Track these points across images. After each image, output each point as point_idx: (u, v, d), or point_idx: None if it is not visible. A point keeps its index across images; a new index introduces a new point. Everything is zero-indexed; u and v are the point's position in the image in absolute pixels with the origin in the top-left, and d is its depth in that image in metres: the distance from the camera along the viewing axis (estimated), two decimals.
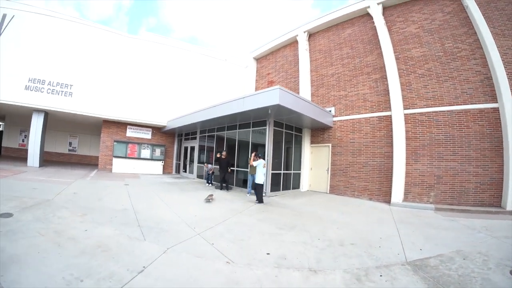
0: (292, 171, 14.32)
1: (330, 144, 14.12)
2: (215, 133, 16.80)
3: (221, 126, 15.87)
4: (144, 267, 3.97)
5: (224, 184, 13.10)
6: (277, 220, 7.63)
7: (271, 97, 9.63)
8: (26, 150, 16.86)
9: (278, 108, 10.12)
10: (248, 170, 12.04)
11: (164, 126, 20.31)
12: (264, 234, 6.18)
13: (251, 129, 13.45)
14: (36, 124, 16.89)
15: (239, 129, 14.41)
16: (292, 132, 14.32)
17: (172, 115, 18.96)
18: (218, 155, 13.62)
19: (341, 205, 10.72)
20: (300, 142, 15.10)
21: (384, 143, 12.00)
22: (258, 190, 10.26)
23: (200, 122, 15.18)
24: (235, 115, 11.95)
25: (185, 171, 20.76)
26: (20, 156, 19.14)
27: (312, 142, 15.07)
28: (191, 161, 20.04)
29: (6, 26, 15.62)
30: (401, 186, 10.97)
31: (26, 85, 15.81)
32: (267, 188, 11.83)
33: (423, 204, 10.22)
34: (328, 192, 13.84)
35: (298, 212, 8.96)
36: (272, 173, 12.20)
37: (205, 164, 15.83)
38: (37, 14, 16.41)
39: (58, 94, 16.63)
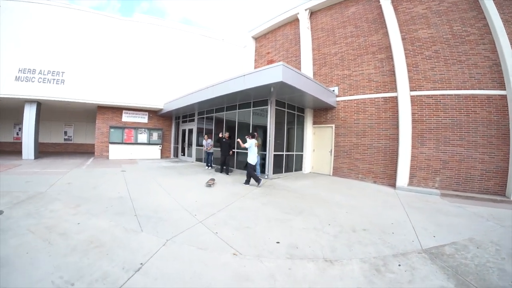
0: (294, 153, 13.91)
1: (333, 125, 13.63)
2: (214, 114, 16.29)
3: (220, 107, 15.36)
4: (141, 264, 3.57)
5: (224, 167, 12.66)
6: (283, 203, 7.25)
7: (274, 74, 9.08)
8: (21, 143, 16.49)
9: (281, 86, 9.58)
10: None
11: (161, 109, 19.78)
12: (270, 220, 5.79)
13: (251, 109, 12.92)
14: (29, 115, 16.42)
15: (239, 109, 13.87)
16: (294, 112, 13.82)
17: (169, 98, 18.41)
18: (220, 135, 13.17)
19: (345, 187, 10.34)
20: (303, 122, 14.62)
21: (390, 125, 11.59)
22: (249, 170, 9.93)
23: (198, 103, 14.63)
24: (235, 94, 11.42)
25: (184, 155, 20.37)
26: (15, 150, 18.77)
27: (314, 123, 14.58)
28: (190, 144, 19.56)
29: None
30: (407, 169, 10.66)
31: (16, 76, 15.46)
32: (269, 170, 11.43)
33: (429, 189, 9.95)
34: (331, 174, 13.48)
35: (303, 194, 8.57)
36: (274, 155, 11.73)
37: (205, 136, 15.29)
38: (23, 2, 15.83)
39: (50, 82, 16.21)
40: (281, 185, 10.08)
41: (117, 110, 19.55)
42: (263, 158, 11.78)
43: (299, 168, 14.24)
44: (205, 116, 17.39)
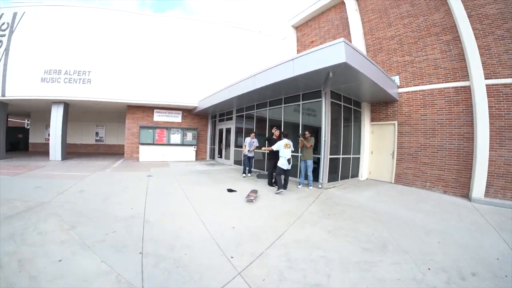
0: (351, 156, 11.72)
1: (395, 122, 11.41)
2: (255, 111, 14.31)
3: (262, 102, 13.43)
4: None
5: (274, 180, 9.64)
6: (355, 230, 5.21)
7: (334, 54, 7.03)
8: None
9: (343, 70, 7.52)
10: (300, 153, 9.61)
11: (195, 107, 18.20)
12: (347, 265, 3.81)
13: (301, 102, 10.89)
14: (56, 116, 16.26)
15: (284, 104, 11.88)
16: (350, 106, 11.63)
17: (203, 95, 16.75)
18: (273, 130, 10.28)
19: (417, 201, 8.26)
20: (359, 119, 12.36)
21: (463, 121, 9.43)
22: (277, 174, 8.59)
23: (237, 98, 12.77)
24: (280, 84, 9.45)
25: (221, 157, 18.54)
26: (46, 150, 18.53)
27: (372, 120, 12.34)
28: (227, 145, 17.66)
29: (17, 24, 15.45)
30: (484, 177, 8.49)
31: (42, 78, 15.42)
32: (323, 178, 9.35)
33: (508, 201, 7.94)
34: (393, 181, 11.25)
35: (374, 213, 6.49)
36: (329, 158, 9.73)
37: (251, 134, 12.24)
38: (47, 7, 15.89)
39: (76, 82, 15.83)
40: (341, 198, 8.04)
41: (148, 109, 18.40)
42: (315, 162, 9.65)
43: (355, 174, 12.04)
44: (244, 113, 15.45)
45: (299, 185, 9.48)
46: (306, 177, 9.38)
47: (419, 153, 10.58)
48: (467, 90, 9.35)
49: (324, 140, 9.16)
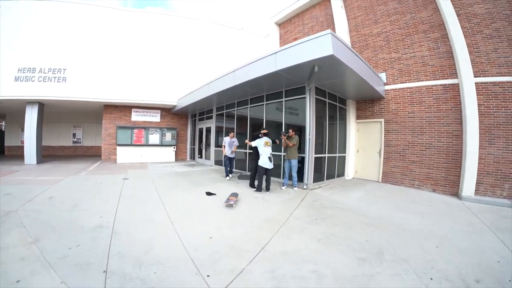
0: (336, 155, 11.19)
1: (382, 120, 11.03)
2: (235, 110, 13.64)
3: (243, 100, 12.80)
4: None
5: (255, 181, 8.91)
6: (347, 238, 4.68)
7: (320, 46, 6.48)
8: None
9: (330, 63, 6.95)
10: (284, 153, 9.15)
11: (174, 106, 17.40)
12: (342, 279, 3.33)
13: (283, 99, 10.32)
14: (31, 117, 15.18)
15: (266, 101, 11.29)
16: (335, 103, 11.11)
17: (183, 93, 15.94)
18: (263, 131, 8.90)
19: (407, 201, 7.89)
20: (345, 116, 11.87)
21: (452, 119, 9.26)
22: (258, 174, 8.30)
23: (216, 95, 12.09)
24: (261, 80, 8.86)
25: (201, 157, 17.74)
26: (22, 154, 17.36)
27: (358, 117, 11.90)
28: (207, 145, 16.90)
29: None
30: (474, 175, 8.37)
31: (16, 76, 14.39)
32: (308, 178, 8.80)
33: (497, 199, 7.90)
34: (380, 180, 10.88)
35: (366, 217, 6.00)
36: (314, 158, 9.20)
37: (230, 134, 11.31)
38: (20, 0, 14.78)
39: (51, 81, 14.84)
40: (329, 200, 7.51)
41: (126, 108, 17.53)
42: (300, 162, 9.08)
43: (341, 173, 11.52)
44: (224, 111, 14.77)
45: (283, 186, 8.92)
46: (290, 178, 8.84)
47: (407, 151, 10.27)
48: (456, 88, 9.21)
49: (309, 138, 8.63)
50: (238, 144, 11.35)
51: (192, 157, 19.50)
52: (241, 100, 12.98)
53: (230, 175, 11.03)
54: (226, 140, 11.17)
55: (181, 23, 18.00)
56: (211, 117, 16.36)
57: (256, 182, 8.50)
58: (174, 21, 17.81)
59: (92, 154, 22.99)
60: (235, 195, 7.04)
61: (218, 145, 15.15)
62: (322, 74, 8.00)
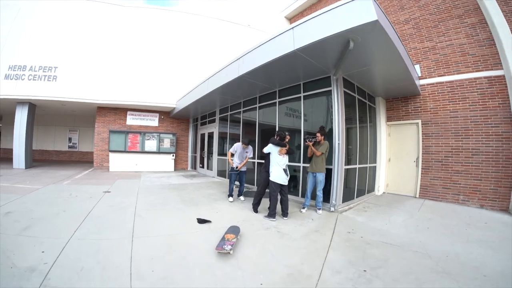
0: (367, 165, 8.83)
1: (419, 121, 8.97)
2: (241, 110, 11.18)
3: (250, 99, 10.43)
4: None
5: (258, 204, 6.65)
6: None
7: (358, 11, 4.42)
8: None
9: (371, 35, 4.80)
10: (303, 163, 7.13)
11: (174, 109, 15.33)
12: None
13: (302, 94, 7.98)
14: (20, 118, 13.97)
15: (279, 98, 8.96)
16: (365, 100, 8.80)
17: (183, 94, 13.88)
18: (287, 137, 6.52)
19: (461, 223, 5.97)
20: (374, 118, 9.57)
21: (500, 118, 7.45)
22: (271, 193, 5.92)
23: (219, 92, 9.72)
24: (273, 66, 6.58)
25: (203, 167, 15.42)
26: None
27: (389, 119, 9.73)
28: (210, 153, 14.52)
29: None
30: None
31: (6, 74, 13.22)
32: (337, 197, 6.51)
33: None
34: (417, 195, 8.79)
35: (428, 257, 4.05)
36: (344, 169, 6.92)
37: (243, 143, 7.87)
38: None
39: (41, 79, 13.44)
40: (369, 229, 5.32)
41: (121, 111, 15.56)
42: (327, 176, 6.62)
43: (371, 188, 9.15)
44: (228, 114, 12.38)
45: (303, 208, 6.61)
46: (313, 197, 6.65)
47: (450, 159, 8.29)
48: (502, 80, 7.54)
49: (338, 144, 6.41)
50: (251, 156, 8.24)
51: (194, 167, 17.24)
52: (248, 99, 10.67)
53: (240, 197, 8.10)
54: (237, 147, 7.98)
55: (182, 19, 16.15)
56: (213, 121, 14.11)
57: (259, 200, 6.44)
58: (174, 17, 16.02)
59: (88, 160, 21.16)
60: (235, 231, 4.63)
61: (223, 153, 12.74)
62: (355, 57, 5.82)
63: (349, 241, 4.60)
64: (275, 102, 9.01)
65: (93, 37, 14.43)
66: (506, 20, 7.36)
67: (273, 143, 5.99)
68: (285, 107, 8.73)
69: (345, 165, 6.82)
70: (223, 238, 4.26)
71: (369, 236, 4.87)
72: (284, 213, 5.86)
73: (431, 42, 9.03)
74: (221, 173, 12.73)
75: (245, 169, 8.19)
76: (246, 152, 7.99)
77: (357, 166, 7.94)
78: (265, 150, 6.14)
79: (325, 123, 7.19)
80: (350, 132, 7.80)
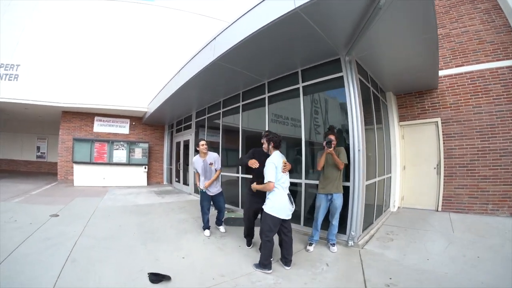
0: (384, 176, 6.89)
1: (438, 119, 7.42)
2: (221, 111, 8.90)
3: (232, 96, 8.18)
4: None
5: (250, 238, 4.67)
6: None
7: None
8: None
9: None
10: (319, 182, 4.67)
11: (146, 113, 13.11)
12: None
13: (300, 85, 5.84)
14: None
15: (269, 92, 6.76)
16: (378, 95, 6.90)
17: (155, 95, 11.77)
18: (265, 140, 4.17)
19: (506, 242, 4.71)
20: (387, 116, 7.67)
21: None
22: (263, 233, 3.68)
23: (194, 85, 7.30)
24: (262, 43, 4.61)
25: (178, 181, 13.10)
26: None
27: (401, 118, 8.01)
28: (186, 164, 12.16)
29: None
30: None
31: None
32: (357, 226, 4.47)
33: None
34: (439, 208, 7.13)
35: None
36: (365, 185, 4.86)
37: (201, 143, 5.33)
38: None
39: (1, 78, 11.52)
40: (412, 274, 3.56)
41: (87, 116, 13.39)
42: (346, 197, 4.55)
43: (387, 204, 7.20)
44: (206, 117, 10.10)
45: (310, 245, 4.50)
46: (322, 226, 4.59)
47: (476, 162, 6.86)
48: None
49: (359, 151, 4.44)
50: (220, 167, 5.44)
51: (170, 181, 14.86)
52: (230, 97, 8.43)
53: (220, 227, 5.67)
54: (196, 161, 5.41)
55: (158, 14, 14.48)
56: (189, 127, 11.80)
57: (251, 231, 4.55)
58: (149, 11, 14.36)
59: (57, 172, 18.55)
60: None
61: None
62: (376, 29, 3.99)
63: None
64: (264, 98, 6.81)
65: (59, 33, 12.59)
66: None
67: (272, 157, 3.86)
68: (276, 106, 6.62)
69: (367, 180, 4.86)
70: None
71: (417, 286, 3.19)
72: (286, 261, 3.73)
73: (444, 29, 7.74)
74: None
75: (220, 190, 5.47)
76: (210, 164, 5.31)
77: (376, 179, 5.98)
78: (269, 171, 3.68)
79: (332, 124, 5.22)
80: (367, 136, 5.56)
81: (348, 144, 4.69)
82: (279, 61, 5.57)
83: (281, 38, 4.46)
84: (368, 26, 3.75)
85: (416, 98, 7.84)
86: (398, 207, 7.64)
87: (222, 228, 5.59)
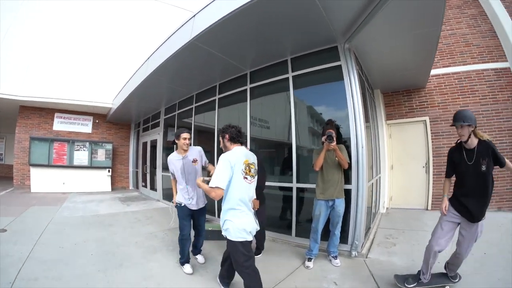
0: (377, 177, 6.54)
1: (426, 118, 7.65)
2: (193, 107, 8.04)
3: (208, 88, 7.30)
4: None
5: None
6: None
7: None
8: None
9: None
10: (316, 185, 3.94)
11: (110, 110, 12.04)
12: None
13: (290, 75, 5.15)
14: None
15: (251, 83, 5.95)
16: (370, 91, 6.69)
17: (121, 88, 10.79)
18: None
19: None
20: (375, 114, 7.34)
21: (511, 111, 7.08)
22: (245, 274, 2.56)
23: (162, 71, 6.22)
24: (247, 20, 3.82)
25: (146, 186, 11.97)
26: None
27: (388, 117, 8.00)
28: (154, 167, 11.11)
29: None
30: None
31: None
32: (360, 235, 3.95)
33: None
34: (429, 207, 7.34)
35: None
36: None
37: (183, 138, 3.71)
38: None
39: None
40: None
41: (47, 112, 12.09)
42: (347, 203, 3.93)
43: (378, 205, 6.89)
44: (176, 113, 9.19)
45: (309, 260, 3.81)
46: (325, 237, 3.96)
47: None
48: (508, 73, 7.27)
49: (362, 148, 3.93)
50: (207, 161, 4.02)
51: (136, 185, 13.64)
52: (205, 90, 7.54)
53: (197, 256, 4.13)
54: (172, 161, 3.87)
55: (132, 3, 13.32)
56: (157, 125, 10.78)
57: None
58: None
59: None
60: None
61: (165, 167, 9.09)
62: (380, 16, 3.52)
63: None
64: (245, 91, 6.00)
65: (17, 20, 11.24)
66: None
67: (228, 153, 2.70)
68: (260, 102, 5.95)
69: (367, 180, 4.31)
70: None
71: None
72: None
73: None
74: (167, 195, 9.36)
75: (205, 203, 3.98)
76: (194, 161, 3.81)
77: (373, 180, 5.57)
78: (219, 171, 2.48)
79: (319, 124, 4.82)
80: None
81: (346, 142, 4.17)
82: (266, 46, 4.83)
83: (268, 15, 3.71)
84: (377, 11, 3.29)
85: (404, 96, 7.96)
86: (387, 208, 7.51)
87: (200, 258, 4.10)
